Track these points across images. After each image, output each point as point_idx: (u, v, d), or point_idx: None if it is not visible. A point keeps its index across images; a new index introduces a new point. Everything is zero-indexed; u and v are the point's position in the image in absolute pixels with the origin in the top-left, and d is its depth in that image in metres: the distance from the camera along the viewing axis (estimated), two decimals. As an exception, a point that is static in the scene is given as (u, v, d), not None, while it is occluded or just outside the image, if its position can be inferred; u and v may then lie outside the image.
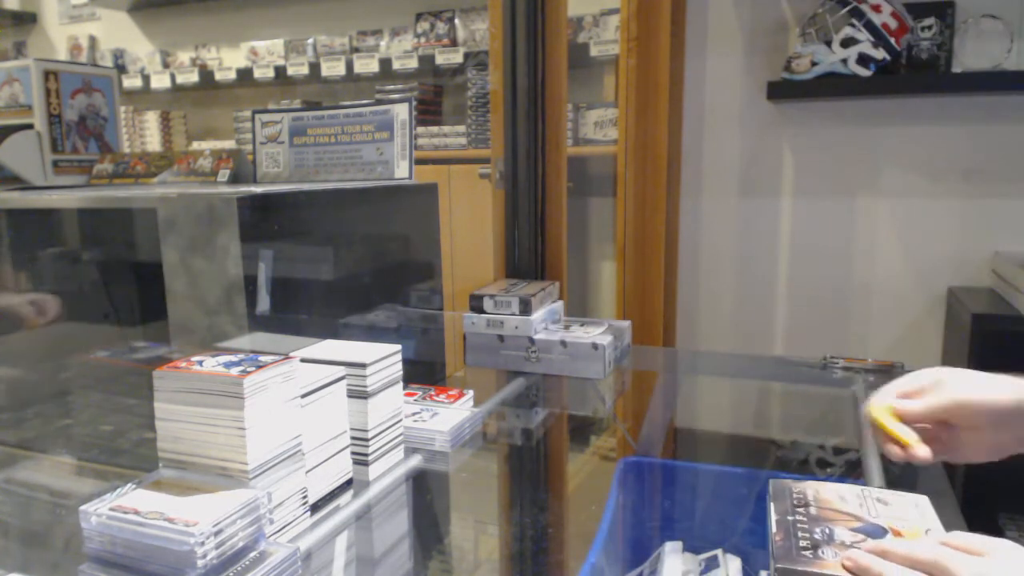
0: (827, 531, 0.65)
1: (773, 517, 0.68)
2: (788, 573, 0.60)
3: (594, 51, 2.64)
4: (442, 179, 2.47)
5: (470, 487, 1.02)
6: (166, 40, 3.76)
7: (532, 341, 1.35)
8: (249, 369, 0.70)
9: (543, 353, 1.34)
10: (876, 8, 1.94)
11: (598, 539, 0.87)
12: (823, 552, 0.62)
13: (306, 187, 1.17)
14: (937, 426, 0.77)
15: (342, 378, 0.84)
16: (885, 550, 0.60)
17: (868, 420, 0.78)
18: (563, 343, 1.33)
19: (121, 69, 3.71)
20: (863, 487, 0.74)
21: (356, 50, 3.26)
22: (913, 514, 0.68)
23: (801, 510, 0.69)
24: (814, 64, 2.01)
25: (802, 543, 0.63)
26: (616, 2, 2.40)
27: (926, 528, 0.66)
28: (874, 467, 0.92)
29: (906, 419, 0.76)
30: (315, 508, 0.80)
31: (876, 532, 0.65)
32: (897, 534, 0.65)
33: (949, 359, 2.03)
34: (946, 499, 0.83)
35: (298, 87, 3.42)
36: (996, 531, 0.63)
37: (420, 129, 2.90)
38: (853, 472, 0.94)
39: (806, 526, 0.66)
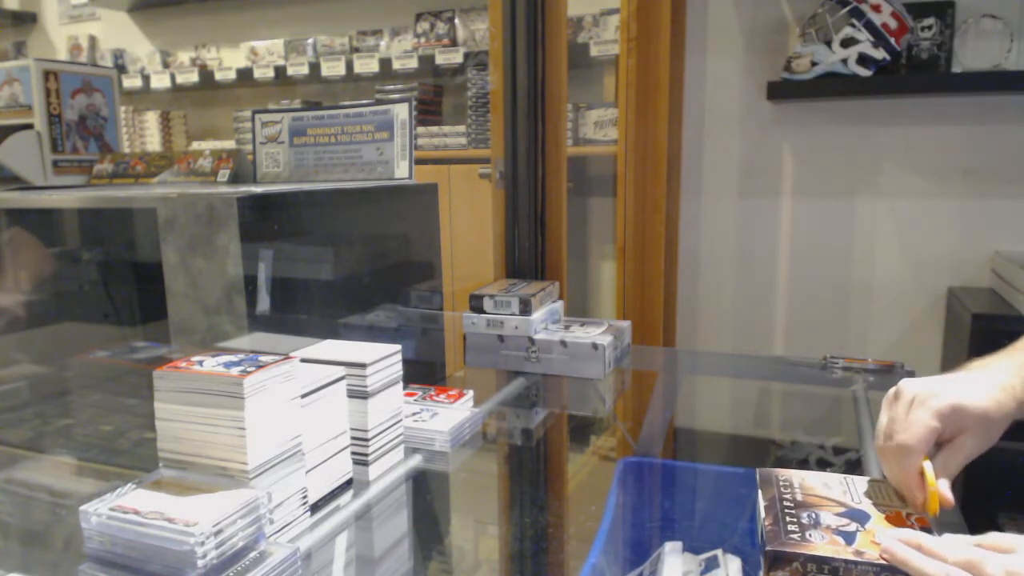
0: (813, 516, 0.68)
1: (762, 503, 0.71)
2: (779, 555, 0.63)
3: (594, 51, 2.64)
4: (442, 179, 2.47)
5: (470, 487, 1.02)
6: (166, 40, 3.76)
7: (532, 341, 1.35)
8: (249, 369, 0.70)
9: (543, 353, 1.34)
10: (876, 8, 1.94)
11: (598, 539, 0.87)
12: (811, 535, 0.65)
13: (306, 187, 1.17)
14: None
15: (342, 378, 0.84)
16: (920, 544, 0.61)
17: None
18: (563, 343, 1.33)
19: (121, 69, 3.71)
20: (845, 475, 0.77)
21: (356, 50, 3.26)
22: (895, 500, 0.71)
23: (788, 496, 0.72)
24: (814, 64, 2.01)
25: (790, 527, 0.66)
26: (616, 2, 2.40)
27: (907, 512, 0.69)
28: (874, 466, 0.92)
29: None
30: (315, 508, 0.80)
31: (860, 516, 0.68)
32: (883, 518, 0.68)
33: (949, 359, 2.03)
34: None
35: (298, 87, 3.42)
36: (996, 531, 0.64)
37: (420, 129, 2.90)
38: (853, 472, 0.94)
39: (793, 511, 0.69)
